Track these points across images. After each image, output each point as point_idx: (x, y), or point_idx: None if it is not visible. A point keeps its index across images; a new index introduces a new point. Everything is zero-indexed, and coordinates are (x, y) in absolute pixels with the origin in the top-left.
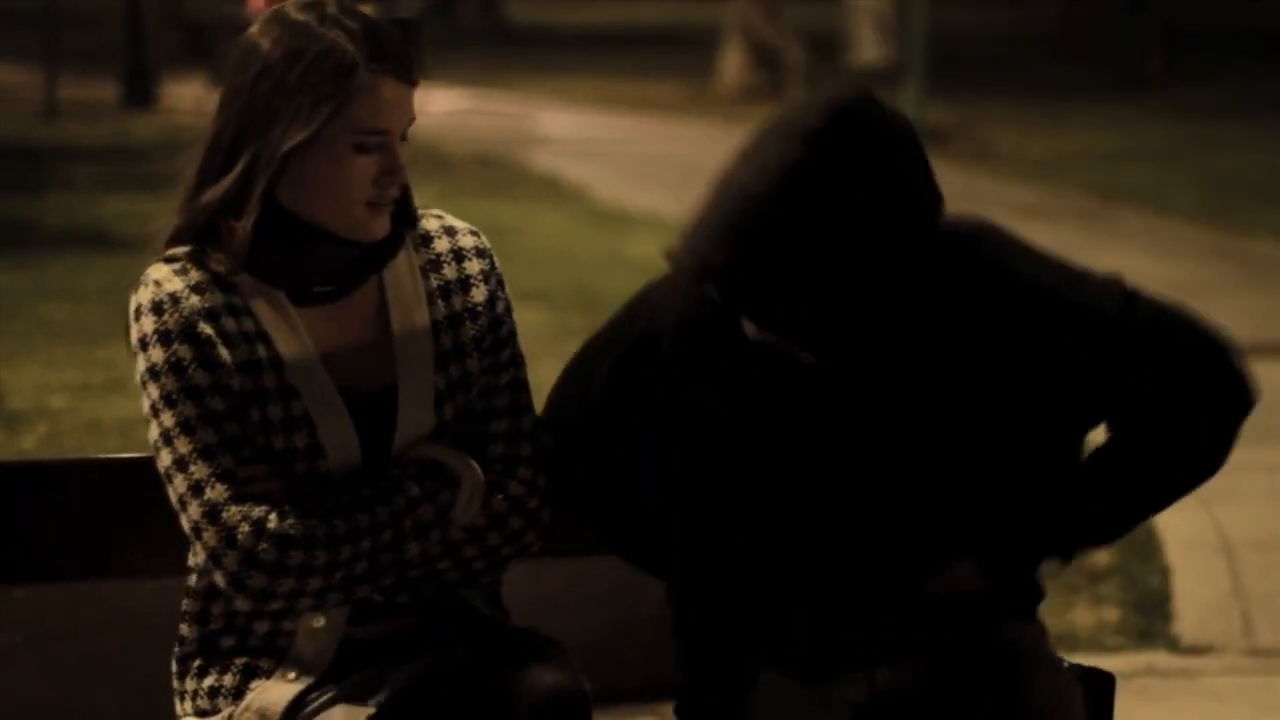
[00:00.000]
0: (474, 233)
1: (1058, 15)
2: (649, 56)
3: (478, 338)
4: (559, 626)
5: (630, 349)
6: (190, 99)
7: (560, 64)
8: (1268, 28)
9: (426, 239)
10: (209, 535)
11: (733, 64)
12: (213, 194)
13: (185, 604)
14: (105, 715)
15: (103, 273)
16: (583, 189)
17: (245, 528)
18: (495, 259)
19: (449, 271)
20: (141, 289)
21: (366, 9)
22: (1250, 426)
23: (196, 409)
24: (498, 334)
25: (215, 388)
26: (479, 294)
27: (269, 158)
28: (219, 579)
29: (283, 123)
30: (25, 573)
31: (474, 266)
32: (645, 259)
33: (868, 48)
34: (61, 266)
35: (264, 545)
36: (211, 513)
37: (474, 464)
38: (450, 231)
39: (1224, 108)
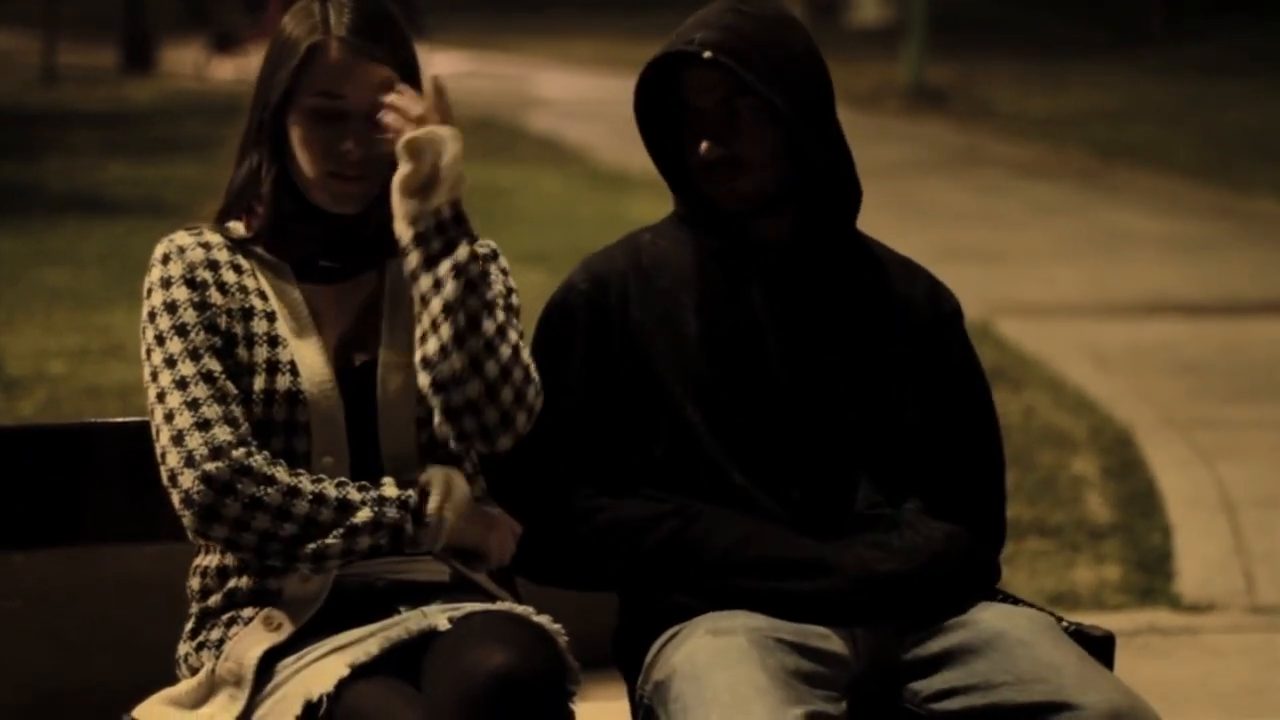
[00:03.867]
0: (486, 244)
1: None
2: (649, 17)
3: None
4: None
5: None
6: (189, 64)
7: (560, 26)
8: None
9: None
10: (171, 456)
11: None
12: (239, 178)
13: (190, 582)
14: (105, 680)
15: (102, 238)
16: (583, 150)
17: (204, 450)
18: (503, 261)
19: None
20: (158, 247)
21: None
22: (1252, 384)
23: (182, 344)
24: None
25: (203, 325)
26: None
27: (265, 126)
28: (174, 499)
29: (271, 95)
30: (25, 538)
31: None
32: (645, 219)
33: (868, 7)
34: (60, 232)
35: (220, 465)
36: (177, 436)
37: (454, 473)
38: None
39: (1224, 65)
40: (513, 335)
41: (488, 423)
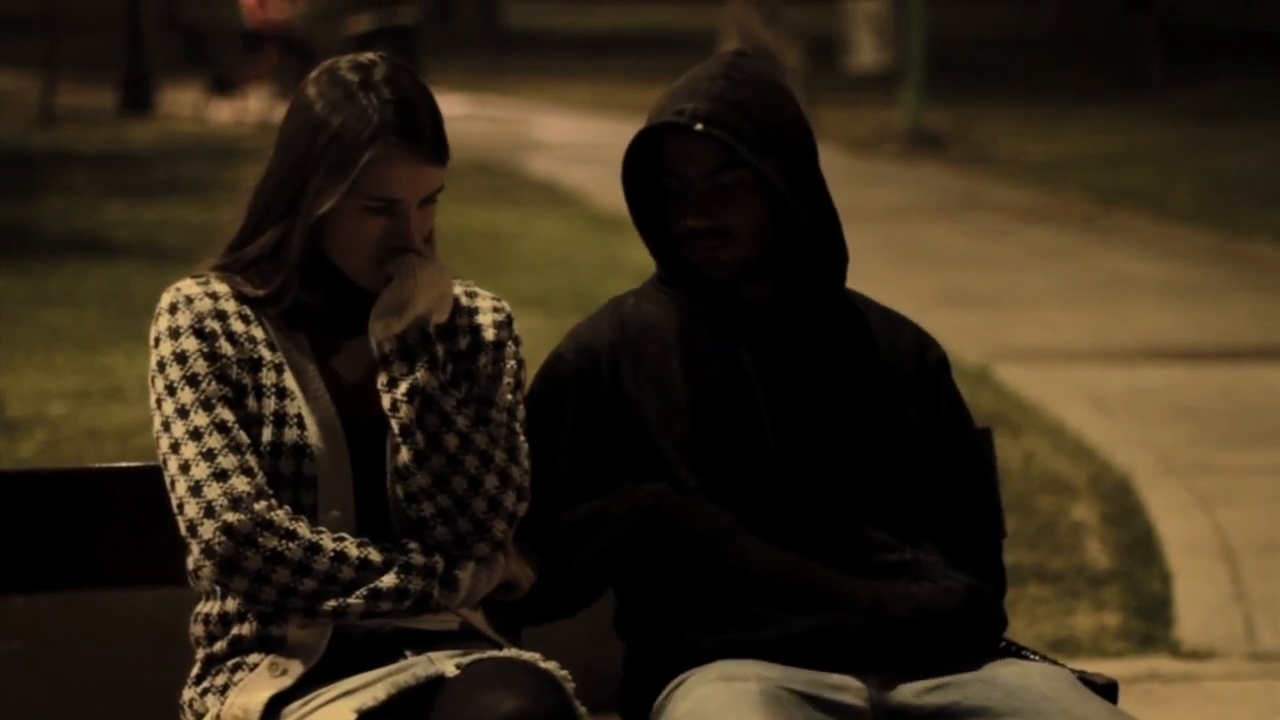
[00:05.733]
0: (497, 302)
1: (1056, 17)
2: (647, 60)
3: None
4: (577, 638)
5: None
6: (188, 105)
7: (558, 69)
8: (1266, 28)
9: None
10: (190, 508)
11: None
12: (253, 249)
13: (193, 629)
14: None
15: (101, 279)
16: (581, 194)
17: (224, 500)
18: (515, 327)
19: (462, 324)
20: (164, 296)
21: (366, 19)
22: (1251, 430)
23: (194, 395)
24: (496, 377)
25: (214, 375)
26: (488, 338)
27: (304, 220)
28: (194, 550)
29: (314, 186)
30: (24, 581)
31: (487, 319)
32: (644, 264)
33: (866, 51)
34: (60, 273)
35: (240, 517)
36: (195, 487)
37: None
38: (472, 295)
39: (1223, 109)
40: (480, 441)
41: (461, 531)
